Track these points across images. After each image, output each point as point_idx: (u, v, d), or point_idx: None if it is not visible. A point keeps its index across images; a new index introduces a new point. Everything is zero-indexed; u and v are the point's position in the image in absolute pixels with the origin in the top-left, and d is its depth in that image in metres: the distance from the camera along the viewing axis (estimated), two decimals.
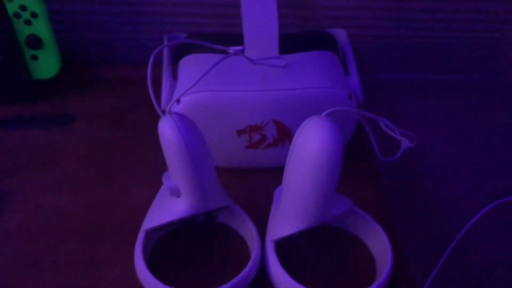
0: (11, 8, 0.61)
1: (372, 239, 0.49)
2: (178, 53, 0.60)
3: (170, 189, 0.44)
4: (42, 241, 0.50)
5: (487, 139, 0.90)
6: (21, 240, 0.50)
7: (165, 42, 0.64)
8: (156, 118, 0.67)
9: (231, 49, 0.47)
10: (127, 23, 0.75)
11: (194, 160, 0.41)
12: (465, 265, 1.04)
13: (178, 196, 0.45)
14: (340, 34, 0.65)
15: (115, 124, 0.66)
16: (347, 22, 0.75)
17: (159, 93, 0.66)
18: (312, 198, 0.42)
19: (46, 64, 0.67)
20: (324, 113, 0.40)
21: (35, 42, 0.64)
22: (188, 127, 0.40)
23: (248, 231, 0.49)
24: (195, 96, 0.52)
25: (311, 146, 0.39)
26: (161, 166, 0.51)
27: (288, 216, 0.45)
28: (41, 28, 0.63)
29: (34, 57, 0.66)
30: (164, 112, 0.42)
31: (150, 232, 0.47)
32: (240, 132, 0.54)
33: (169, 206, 0.45)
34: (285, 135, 0.55)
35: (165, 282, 0.43)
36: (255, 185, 0.56)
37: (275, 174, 0.55)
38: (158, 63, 0.74)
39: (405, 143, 0.50)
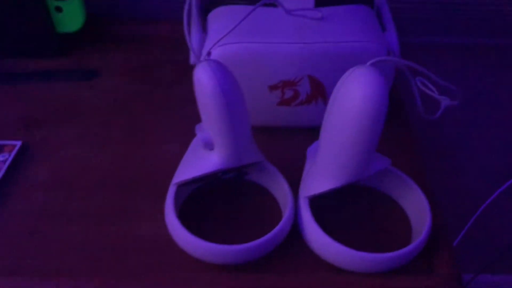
0: None
1: (408, 200, 0.47)
2: (206, 6, 0.58)
3: (203, 141, 0.42)
4: (69, 193, 0.50)
5: None
6: (48, 191, 0.50)
7: None
8: (182, 73, 0.66)
9: None
10: None
11: (230, 109, 0.39)
12: (492, 232, 1.03)
13: (211, 149, 0.43)
14: None
15: (139, 79, 0.64)
16: None
17: (183, 50, 0.64)
18: (352, 152, 0.40)
19: (70, 17, 0.65)
20: (369, 62, 0.38)
21: None
22: (225, 75, 0.39)
23: (280, 188, 0.48)
24: (226, 48, 0.50)
25: (356, 96, 0.37)
26: (188, 120, 0.49)
27: (325, 172, 0.43)
28: None
29: (59, 9, 0.64)
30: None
31: (181, 186, 0.46)
32: (272, 88, 0.52)
33: (202, 159, 0.44)
34: (319, 91, 0.53)
35: (196, 236, 0.42)
36: (286, 143, 0.55)
37: (307, 132, 0.54)
38: (178, 20, 0.72)
39: (446, 101, 0.48)
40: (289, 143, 0.55)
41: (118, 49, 0.69)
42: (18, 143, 0.54)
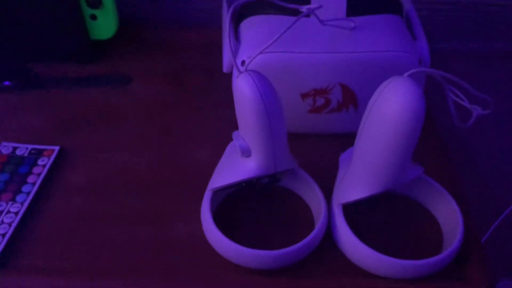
0: None
1: (441, 208, 0.48)
2: (238, 16, 0.59)
3: (241, 149, 0.43)
4: (105, 196, 0.51)
5: None
6: (84, 195, 0.51)
7: (224, 3, 0.63)
8: (214, 80, 0.67)
9: (304, 8, 0.46)
10: None
11: (269, 118, 0.40)
12: None
13: (248, 156, 0.44)
14: None
15: (172, 85, 0.66)
16: None
17: (214, 57, 0.66)
18: (389, 161, 0.41)
19: (104, 25, 0.67)
20: (407, 73, 0.39)
21: (95, 1, 0.64)
22: (265, 85, 0.40)
23: (313, 194, 0.49)
24: (260, 57, 0.51)
25: (395, 106, 0.38)
26: (222, 125, 0.51)
27: (359, 180, 0.44)
28: None
29: (93, 17, 0.66)
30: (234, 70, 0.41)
31: (216, 192, 0.48)
32: (304, 96, 0.53)
33: (238, 166, 0.45)
34: (350, 99, 0.54)
35: (232, 240, 0.43)
36: (318, 150, 0.56)
37: (338, 140, 0.55)
38: (209, 27, 0.74)
39: (477, 110, 0.49)
40: (321, 149, 0.56)
41: (150, 55, 0.71)
42: (57, 148, 0.56)
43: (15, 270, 0.44)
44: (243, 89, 0.40)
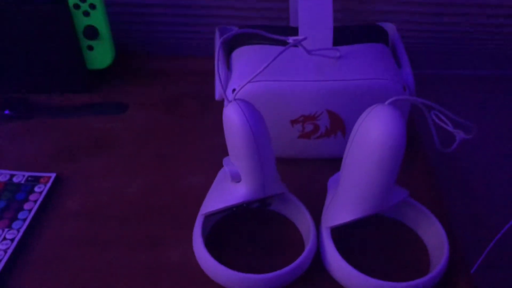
0: None
1: (427, 230, 0.49)
2: (230, 45, 0.62)
3: (231, 174, 0.45)
4: (101, 222, 0.52)
5: None
6: (81, 221, 0.53)
7: (217, 34, 0.65)
8: (206, 107, 0.69)
9: (291, 39, 0.48)
10: (176, 15, 0.76)
11: (257, 146, 0.42)
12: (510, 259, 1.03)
13: (238, 181, 0.46)
14: (389, 28, 0.65)
15: (167, 112, 0.68)
16: (395, 16, 0.76)
17: (207, 84, 0.68)
18: (373, 186, 0.42)
19: (101, 55, 0.69)
20: (388, 101, 0.41)
21: (92, 32, 0.66)
22: (253, 113, 0.42)
23: (302, 218, 0.50)
24: (250, 85, 0.53)
25: (376, 133, 0.39)
26: (214, 151, 0.52)
27: (346, 204, 0.45)
28: (99, 19, 0.66)
29: (90, 48, 0.68)
30: (221, 99, 0.43)
31: (208, 217, 0.49)
32: (293, 122, 0.55)
33: (229, 191, 0.46)
34: (337, 125, 0.55)
35: (222, 265, 0.44)
36: (307, 175, 0.57)
37: (327, 164, 0.56)
38: (201, 56, 0.76)
39: (461, 135, 0.50)
40: (310, 174, 0.57)
41: (146, 83, 0.73)
42: (53, 175, 0.57)
43: None
44: (232, 118, 0.41)
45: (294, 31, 0.56)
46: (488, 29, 0.77)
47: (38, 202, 0.53)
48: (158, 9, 0.76)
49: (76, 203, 0.55)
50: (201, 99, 0.70)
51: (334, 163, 0.54)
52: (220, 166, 0.51)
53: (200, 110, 0.68)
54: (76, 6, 0.64)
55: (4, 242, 0.49)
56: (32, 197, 0.54)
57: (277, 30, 0.58)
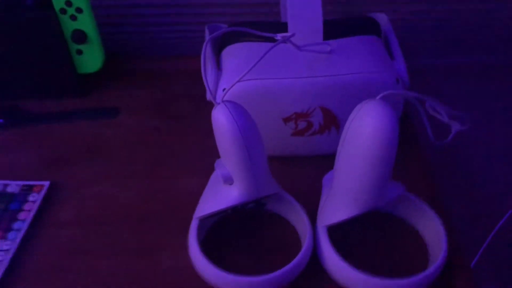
0: (58, 4, 0.63)
1: (425, 225, 0.49)
2: (219, 44, 0.61)
3: (223, 177, 0.44)
4: (94, 228, 0.52)
5: None
6: (74, 228, 0.52)
7: (206, 32, 0.64)
8: (200, 107, 0.68)
9: (279, 36, 0.47)
10: (165, 15, 0.76)
11: (247, 147, 0.41)
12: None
13: (231, 184, 0.45)
14: (382, 18, 0.64)
15: (160, 114, 0.67)
16: (385, 6, 0.74)
17: (199, 84, 0.67)
18: (367, 182, 0.41)
19: (90, 59, 0.68)
20: (379, 96, 0.40)
21: (80, 36, 0.65)
22: (242, 115, 0.41)
23: (299, 217, 0.49)
24: (241, 84, 0.52)
25: (368, 129, 0.39)
26: (208, 153, 0.52)
27: (341, 201, 0.45)
28: (86, 23, 0.65)
29: (79, 52, 0.68)
30: (213, 101, 0.43)
31: (203, 219, 0.48)
32: (286, 120, 0.54)
33: (222, 194, 0.46)
34: (331, 121, 0.55)
35: (219, 268, 0.44)
36: (302, 172, 0.57)
37: (322, 161, 0.55)
38: (193, 55, 0.75)
39: (456, 126, 0.49)
40: (305, 171, 0.57)
41: (136, 86, 0.72)
42: (47, 183, 0.56)
43: None
44: (220, 120, 0.41)
45: (285, 26, 0.55)
46: (475, 14, 0.75)
47: (32, 212, 0.53)
48: (147, 9, 0.75)
49: (70, 211, 0.54)
50: (194, 99, 0.69)
51: (329, 160, 0.53)
52: (214, 168, 0.50)
53: (192, 112, 0.68)
54: (63, 11, 0.63)
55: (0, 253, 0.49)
56: (26, 206, 0.54)
57: (268, 26, 0.58)
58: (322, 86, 0.52)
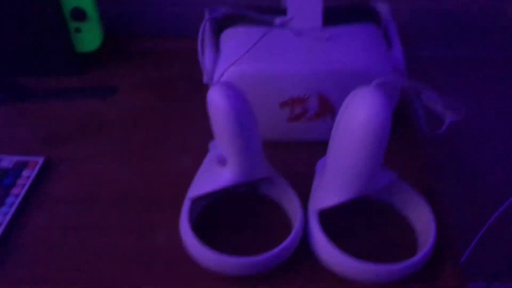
0: None
1: (415, 213, 0.49)
2: (219, 27, 0.60)
3: (217, 158, 0.44)
4: (89, 207, 0.52)
5: None
6: (69, 205, 0.53)
7: (206, 15, 0.64)
8: (197, 89, 0.68)
9: (277, 20, 0.47)
10: None
11: (242, 129, 0.42)
12: (504, 240, 1.03)
13: (224, 165, 0.45)
14: (383, 7, 0.64)
15: (157, 94, 0.67)
16: None
17: (199, 65, 0.67)
18: (359, 168, 0.42)
19: (89, 37, 0.68)
20: (373, 82, 0.40)
21: (79, 14, 0.65)
22: (237, 96, 0.41)
23: (291, 201, 0.50)
24: (239, 68, 0.52)
25: (360, 115, 0.39)
26: (204, 135, 0.52)
27: (333, 186, 0.45)
28: (86, 0, 0.65)
29: (78, 30, 0.67)
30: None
31: (195, 200, 0.49)
32: (282, 105, 0.54)
33: (215, 175, 0.46)
34: (327, 108, 0.55)
35: (208, 247, 0.44)
36: (296, 158, 0.57)
37: (316, 147, 0.56)
38: (194, 37, 0.75)
39: (451, 117, 0.50)
40: (300, 157, 0.57)
41: (135, 65, 0.72)
42: (41, 159, 0.57)
43: None
44: (215, 100, 0.41)
45: (286, 12, 0.55)
46: (477, 7, 0.75)
47: (26, 187, 0.53)
48: None
49: (64, 188, 0.54)
50: (192, 81, 0.69)
51: (323, 146, 0.53)
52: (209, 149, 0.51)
53: (191, 93, 0.68)
54: None
55: None
56: (19, 181, 0.54)
57: (268, 11, 0.57)
58: (319, 72, 0.52)
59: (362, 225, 0.50)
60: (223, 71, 0.44)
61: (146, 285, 0.45)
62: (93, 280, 0.45)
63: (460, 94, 0.84)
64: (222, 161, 0.45)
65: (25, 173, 0.55)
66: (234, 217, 0.51)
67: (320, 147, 0.54)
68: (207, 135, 0.53)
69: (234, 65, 0.51)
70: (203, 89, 0.67)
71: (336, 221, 0.49)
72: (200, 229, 0.48)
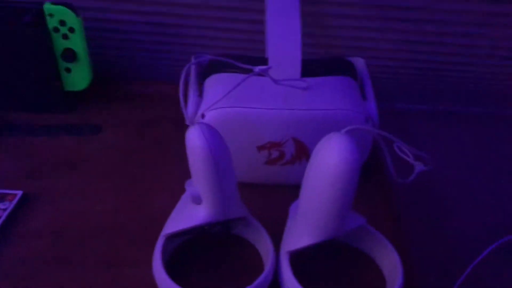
0: (52, 22, 0.65)
1: (383, 258, 0.50)
2: (203, 73, 0.63)
3: (192, 196, 0.46)
4: (63, 240, 0.53)
5: (502, 170, 0.91)
6: (45, 240, 0.53)
7: (192, 60, 0.67)
8: (179, 131, 0.70)
9: (257, 68, 0.50)
10: (153, 42, 0.79)
11: (218, 168, 0.43)
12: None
13: (199, 204, 0.47)
14: (359, 62, 0.68)
15: (140, 135, 0.69)
16: (366, 52, 0.79)
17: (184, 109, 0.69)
18: (328, 212, 0.43)
19: (78, 77, 0.71)
20: (344, 130, 0.42)
21: (70, 55, 0.68)
22: (214, 137, 0.43)
23: (263, 242, 0.50)
24: (219, 111, 0.54)
25: (330, 161, 0.41)
26: (182, 174, 0.53)
27: (304, 229, 0.46)
28: (77, 43, 0.68)
29: (68, 70, 0.70)
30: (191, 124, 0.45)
31: (170, 238, 0.49)
32: (260, 148, 0.57)
33: (190, 213, 0.47)
34: (302, 153, 0.57)
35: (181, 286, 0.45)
36: (271, 200, 0.58)
37: (291, 190, 0.57)
38: (178, 82, 0.78)
39: (419, 166, 0.52)
40: (275, 199, 0.58)
41: (120, 106, 0.75)
42: (19, 193, 0.57)
43: None
44: (193, 140, 0.43)
45: (267, 61, 0.58)
46: (449, 66, 0.80)
47: (2, 219, 0.53)
48: (134, 36, 0.78)
49: (40, 222, 0.55)
50: (176, 123, 0.71)
51: (298, 189, 0.55)
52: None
53: (173, 134, 0.70)
54: (56, 29, 0.66)
55: None
56: None
57: (251, 60, 0.61)
58: (296, 118, 0.54)
59: (331, 267, 0.51)
60: (203, 112, 0.46)
61: None
62: None
63: (433, 145, 0.88)
64: (196, 199, 0.46)
65: (2, 205, 0.55)
66: (208, 256, 0.52)
67: (296, 189, 0.56)
68: (186, 175, 0.54)
69: (215, 107, 0.54)
70: (183, 130, 0.70)
71: (307, 263, 0.50)
72: (173, 267, 0.49)
